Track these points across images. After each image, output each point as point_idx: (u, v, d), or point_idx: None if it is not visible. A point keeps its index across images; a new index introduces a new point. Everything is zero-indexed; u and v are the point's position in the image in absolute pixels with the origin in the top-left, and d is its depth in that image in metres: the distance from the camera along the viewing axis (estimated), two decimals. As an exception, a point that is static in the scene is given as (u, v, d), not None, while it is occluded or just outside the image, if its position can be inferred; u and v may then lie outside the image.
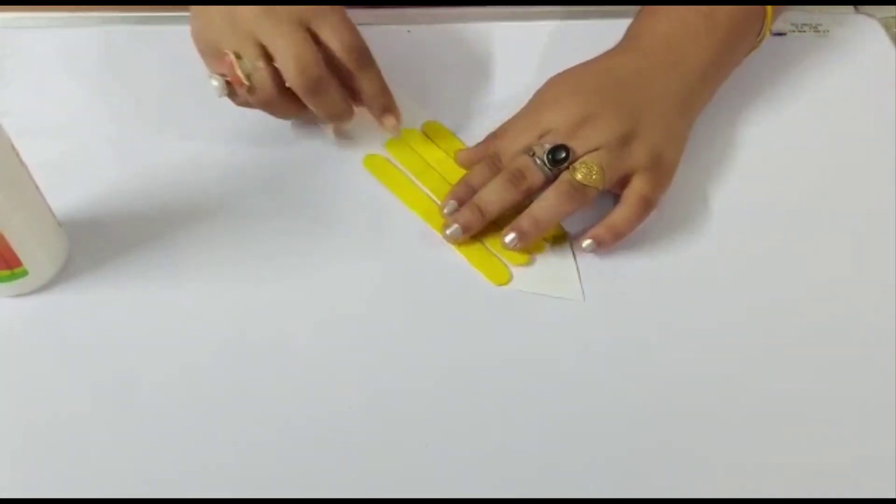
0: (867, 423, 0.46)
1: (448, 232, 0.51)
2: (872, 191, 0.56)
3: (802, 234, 0.53)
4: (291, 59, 0.48)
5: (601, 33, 0.55)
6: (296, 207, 0.53)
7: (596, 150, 0.50)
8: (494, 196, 0.50)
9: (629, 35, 0.56)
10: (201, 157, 0.54)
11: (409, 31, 0.63)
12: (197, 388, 0.45)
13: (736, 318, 0.50)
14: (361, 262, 0.51)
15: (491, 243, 0.52)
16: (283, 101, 0.51)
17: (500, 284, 0.50)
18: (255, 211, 0.52)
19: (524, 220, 0.50)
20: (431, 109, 0.58)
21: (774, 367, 0.48)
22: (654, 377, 0.47)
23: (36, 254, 0.47)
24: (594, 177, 0.49)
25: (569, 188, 0.49)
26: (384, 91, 0.53)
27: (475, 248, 0.51)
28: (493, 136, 0.54)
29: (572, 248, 0.52)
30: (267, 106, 0.52)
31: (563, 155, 0.49)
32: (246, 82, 0.49)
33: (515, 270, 0.51)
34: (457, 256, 0.51)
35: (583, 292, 0.50)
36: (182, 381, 0.46)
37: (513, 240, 0.50)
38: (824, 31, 0.65)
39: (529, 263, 0.51)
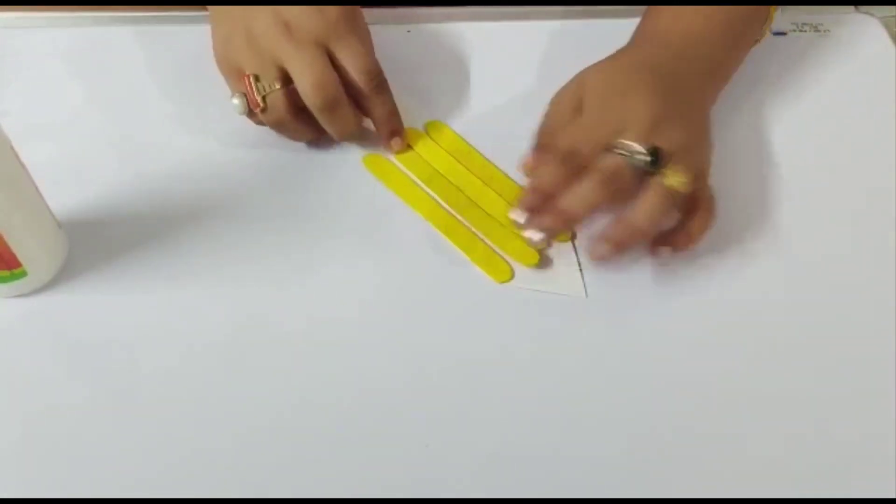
0: (867, 423, 0.46)
1: (534, 240, 0.48)
2: (872, 190, 0.56)
3: (803, 234, 0.53)
4: (309, 79, 0.49)
5: (601, 34, 0.55)
6: (296, 207, 0.53)
7: (676, 152, 0.47)
8: (583, 200, 0.47)
9: (656, 31, 0.54)
10: (201, 157, 0.54)
11: (408, 31, 0.63)
12: (197, 388, 0.45)
13: (737, 316, 0.49)
14: (362, 260, 0.51)
15: (494, 240, 0.52)
16: (295, 123, 0.52)
17: (502, 281, 0.50)
18: (254, 210, 0.52)
19: (620, 229, 0.47)
20: (431, 109, 0.58)
21: (776, 367, 0.48)
22: (657, 374, 0.47)
23: (35, 254, 0.47)
24: (684, 181, 0.47)
25: (667, 194, 0.47)
26: (395, 115, 0.54)
27: (477, 245, 0.51)
28: (558, 137, 0.49)
29: (574, 245, 0.52)
30: (279, 126, 0.53)
31: (657, 158, 0.47)
32: (261, 104, 0.50)
33: (517, 267, 0.51)
34: (458, 254, 0.51)
35: (585, 289, 0.50)
36: (182, 381, 0.46)
37: (608, 251, 0.47)
38: (825, 31, 0.65)
39: (539, 265, 0.51)
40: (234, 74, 0.52)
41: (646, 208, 0.47)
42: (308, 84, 0.49)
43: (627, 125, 0.48)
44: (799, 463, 0.45)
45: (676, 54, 0.52)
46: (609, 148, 0.47)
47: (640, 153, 0.47)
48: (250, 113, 0.52)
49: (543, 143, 0.51)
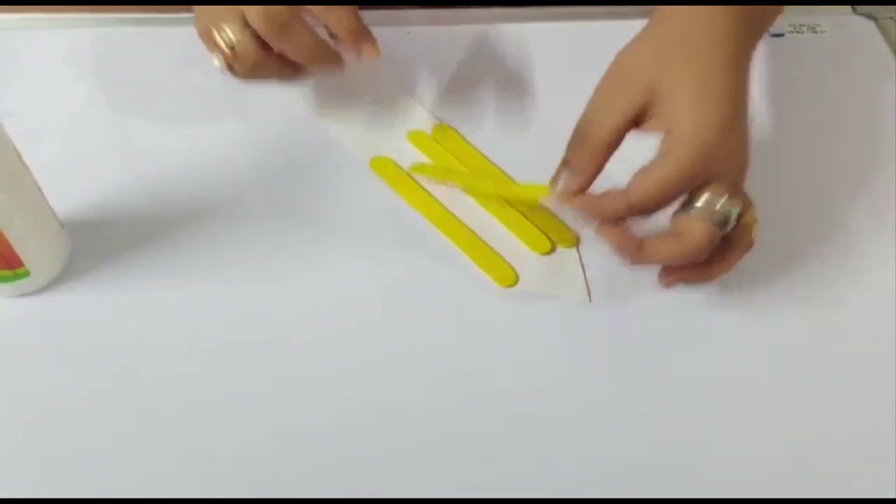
0: (867, 423, 0.46)
1: (596, 232, 0.46)
2: (870, 191, 0.56)
3: (801, 236, 0.53)
4: (259, 10, 0.48)
5: (601, 35, 0.55)
6: (299, 209, 0.53)
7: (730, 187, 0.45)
8: (669, 260, 0.46)
9: (683, 25, 0.47)
10: (203, 158, 0.55)
11: (408, 33, 0.63)
12: (198, 388, 0.45)
13: (740, 320, 0.50)
14: (366, 263, 0.51)
15: (497, 243, 0.52)
16: (268, 61, 0.51)
17: (506, 286, 0.50)
18: (257, 212, 0.52)
19: (700, 274, 0.47)
20: (430, 111, 0.58)
21: (776, 367, 0.48)
22: (659, 379, 0.47)
23: (38, 254, 0.47)
24: (755, 217, 0.46)
25: (751, 237, 0.46)
26: (357, 22, 0.51)
27: (481, 249, 0.51)
28: (637, 187, 0.44)
29: (578, 250, 0.52)
30: (255, 72, 0.52)
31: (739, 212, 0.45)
32: (228, 52, 0.50)
33: (521, 272, 0.51)
34: (462, 258, 0.51)
35: (589, 294, 0.50)
36: (184, 381, 0.46)
37: (670, 285, 0.48)
38: (822, 32, 0.65)
39: (551, 252, 0.51)
40: (207, 36, 0.51)
41: (738, 255, 0.47)
42: (259, 14, 0.49)
43: (719, 177, 0.44)
44: (799, 463, 0.45)
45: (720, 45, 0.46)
46: (701, 214, 0.44)
47: (733, 219, 0.44)
48: (230, 68, 0.51)
49: (585, 145, 0.46)
